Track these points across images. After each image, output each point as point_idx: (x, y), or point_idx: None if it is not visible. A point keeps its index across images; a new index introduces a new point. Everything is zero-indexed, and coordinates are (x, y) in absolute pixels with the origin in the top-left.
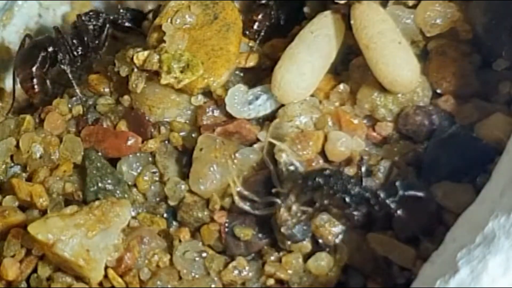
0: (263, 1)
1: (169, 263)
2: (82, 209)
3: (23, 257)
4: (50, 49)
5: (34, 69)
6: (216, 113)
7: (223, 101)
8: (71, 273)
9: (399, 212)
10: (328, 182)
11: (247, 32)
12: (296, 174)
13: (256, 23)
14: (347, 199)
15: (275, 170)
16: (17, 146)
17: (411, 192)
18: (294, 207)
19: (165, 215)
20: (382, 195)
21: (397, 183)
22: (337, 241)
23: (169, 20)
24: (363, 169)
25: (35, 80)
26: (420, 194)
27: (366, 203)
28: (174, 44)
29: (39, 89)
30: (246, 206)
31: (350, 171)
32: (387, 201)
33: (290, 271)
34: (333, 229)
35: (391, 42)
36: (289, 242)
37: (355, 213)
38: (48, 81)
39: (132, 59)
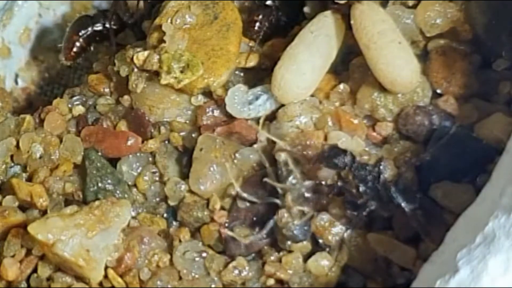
0: (265, 2)
1: (169, 263)
2: (82, 209)
3: (23, 257)
4: (102, 25)
5: (80, 37)
6: (216, 113)
7: (223, 101)
8: (71, 273)
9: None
10: (352, 164)
11: (248, 33)
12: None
13: (257, 24)
14: (361, 189)
15: (274, 170)
16: (17, 146)
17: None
18: (294, 209)
19: (165, 215)
20: (400, 200)
21: (418, 196)
22: (337, 241)
23: (169, 20)
24: (382, 167)
25: (77, 44)
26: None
27: (379, 200)
28: (174, 44)
29: (75, 55)
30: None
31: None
32: (403, 205)
33: (290, 271)
34: (333, 229)
35: (391, 42)
36: (289, 242)
37: (362, 203)
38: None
39: (132, 59)
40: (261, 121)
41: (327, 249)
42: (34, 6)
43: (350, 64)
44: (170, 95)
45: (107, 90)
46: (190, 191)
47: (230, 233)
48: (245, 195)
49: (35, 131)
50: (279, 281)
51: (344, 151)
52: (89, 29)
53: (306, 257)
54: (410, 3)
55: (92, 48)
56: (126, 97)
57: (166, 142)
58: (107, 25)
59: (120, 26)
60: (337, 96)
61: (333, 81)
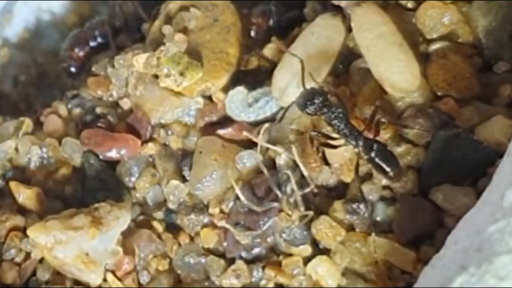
0: (264, 4)
1: (169, 267)
2: (81, 212)
3: (22, 260)
4: (99, 39)
5: (77, 54)
6: (216, 116)
7: (223, 104)
8: (70, 277)
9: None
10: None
11: (248, 35)
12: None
13: (257, 26)
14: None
15: (274, 173)
16: (16, 149)
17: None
18: (294, 213)
19: (164, 218)
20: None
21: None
22: (337, 244)
23: (168, 23)
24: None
25: (73, 63)
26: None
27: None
28: (174, 47)
29: (76, 71)
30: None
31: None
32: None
33: (290, 275)
34: (333, 233)
35: (392, 44)
36: (289, 246)
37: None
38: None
39: (131, 61)
40: (261, 132)
41: (327, 253)
42: (33, 8)
43: (350, 67)
44: (170, 98)
45: (106, 92)
46: (190, 194)
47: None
48: (246, 202)
49: (34, 134)
50: (279, 285)
51: (318, 92)
52: (86, 46)
53: (306, 261)
54: (411, 5)
55: (91, 59)
56: (125, 99)
57: (166, 145)
58: (101, 39)
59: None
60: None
61: (333, 83)
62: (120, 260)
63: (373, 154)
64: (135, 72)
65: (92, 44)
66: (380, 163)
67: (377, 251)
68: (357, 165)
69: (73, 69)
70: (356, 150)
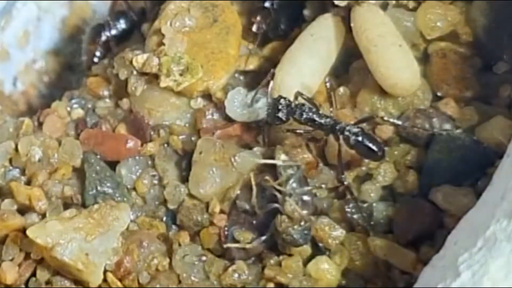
0: (263, 4)
1: (169, 267)
2: (81, 213)
3: (22, 260)
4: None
5: (98, 44)
6: (216, 116)
7: (222, 104)
8: (70, 277)
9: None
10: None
11: (247, 35)
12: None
13: (255, 26)
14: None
15: (274, 174)
16: (16, 149)
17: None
18: (294, 214)
19: (164, 218)
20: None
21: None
22: (337, 244)
23: (168, 23)
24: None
25: (96, 53)
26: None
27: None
28: (174, 47)
29: (96, 60)
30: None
31: (350, 174)
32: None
33: (290, 275)
34: (333, 233)
35: (392, 45)
36: (289, 246)
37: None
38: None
39: (131, 62)
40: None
41: (327, 253)
42: (33, 9)
43: (350, 67)
44: (170, 98)
45: (106, 93)
46: (190, 194)
47: (233, 245)
48: (246, 206)
49: (34, 134)
50: (279, 285)
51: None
52: (103, 36)
53: (306, 261)
54: (411, 6)
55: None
56: (125, 100)
57: (166, 145)
58: (114, 32)
59: (130, 27)
60: (337, 99)
61: (333, 83)
62: (120, 260)
63: (360, 138)
64: (135, 72)
65: (111, 33)
66: (370, 144)
67: (377, 251)
68: (339, 152)
69: (95, 60)
70: (336, 137)
